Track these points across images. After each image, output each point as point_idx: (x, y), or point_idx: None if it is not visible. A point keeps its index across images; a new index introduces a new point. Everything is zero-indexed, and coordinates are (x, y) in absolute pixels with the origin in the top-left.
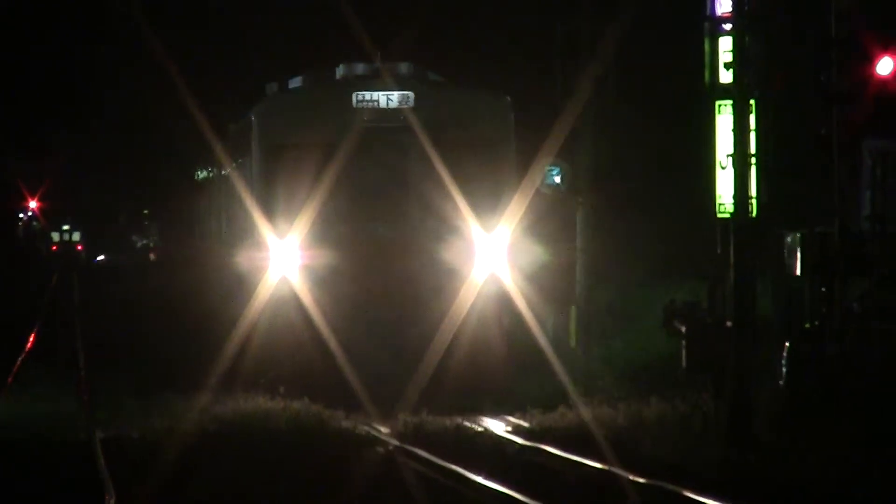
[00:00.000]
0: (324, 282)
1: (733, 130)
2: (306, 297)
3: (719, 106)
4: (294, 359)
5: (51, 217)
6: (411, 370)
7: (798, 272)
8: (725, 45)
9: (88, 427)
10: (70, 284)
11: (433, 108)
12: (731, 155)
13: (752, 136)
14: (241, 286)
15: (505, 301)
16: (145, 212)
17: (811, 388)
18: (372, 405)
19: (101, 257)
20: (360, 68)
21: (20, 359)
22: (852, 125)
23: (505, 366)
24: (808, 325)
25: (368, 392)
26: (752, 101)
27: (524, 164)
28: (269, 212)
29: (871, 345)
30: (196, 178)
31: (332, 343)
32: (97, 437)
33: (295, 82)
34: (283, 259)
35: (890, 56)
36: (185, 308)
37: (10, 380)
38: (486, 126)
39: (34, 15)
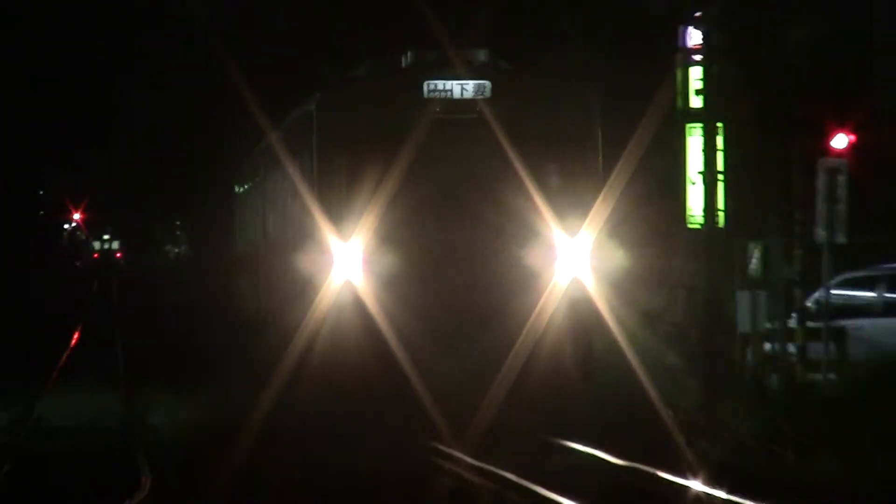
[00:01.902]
0: (390, 287)
1: (703, 150)
2: (371, 303)
3: (690, 129)
4: (358, 367)
5: (92, 228)
6: (484, 384)
7: (760, 277)
8: (696, 74)
9: (126, 416)
10: (110, 289)
11: (512, 98)
12: (700, 172)
13: (720, 155)
14: (298, 291)
15: (588, 310)
16: (177, 223)
17: (773, 382)
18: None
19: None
20: (431, 55)
21: (65, 354)
22: (810, 147)
23: (586, 382)
24: (769, 325)
25: (439, 407)
26: (719, 125)
27: (610, 160)
28: (331, 211)
29: (824, 342)
30: (235, 185)
31: (399, 352)
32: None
33: (359, 71)
34: (346, 262)
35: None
36: (228, 312)
37: (55, 374)
38: (570, 119)
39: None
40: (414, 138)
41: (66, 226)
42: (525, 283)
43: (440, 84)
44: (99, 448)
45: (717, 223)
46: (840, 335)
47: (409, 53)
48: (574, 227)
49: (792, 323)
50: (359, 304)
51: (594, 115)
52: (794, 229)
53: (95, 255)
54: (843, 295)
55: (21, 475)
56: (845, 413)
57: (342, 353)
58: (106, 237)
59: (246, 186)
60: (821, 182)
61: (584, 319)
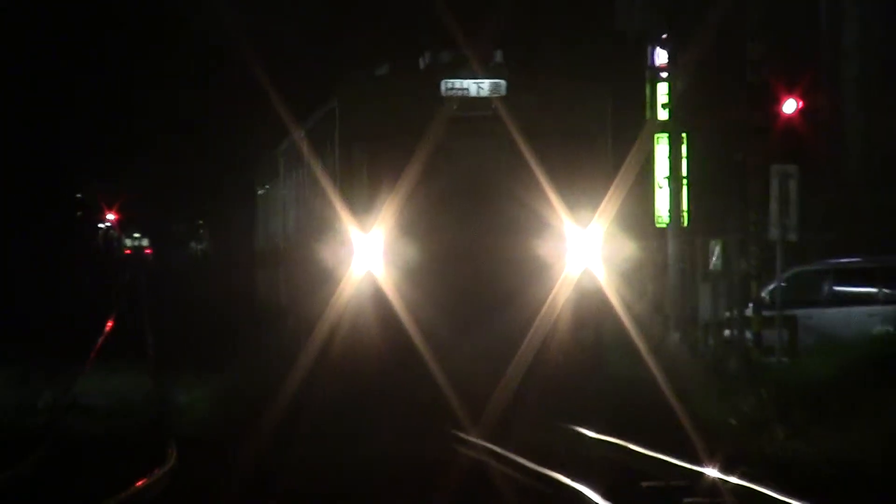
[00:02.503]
0: (409, 277)
1: (668, 158)
2: (391, 292)
3: (657, 138)
4: (377, 353)
5: (124, 227)
6: (499, 371)
7: (720, 271)
8: (662, 89)
9: (153, 394)
10: (140, 281)
11: (527, 97)
12: (667, 177)
13: (684, 162)
14: (320, 281)
15: (598, 299)
16: (200, 222)
17: (732, 364)
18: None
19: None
20: (448, 55)
21: (101, 339)
22: (764, 152)
23: (599, 369)
24: (728, 314)
25: (456, 393)
26: (683, 135)
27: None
28: (353, 204)
29: (777, 328)
30: (256, 185)
31: (417, 340)
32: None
33: (379, 70)
34: (367, 253)
35: (794, 98)
36: (248, 302)
37: (93, 355)
38: (583, 117)
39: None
40: (432, 134)
41: (100, 225)
42: (538, 274)
43: (458, 83)
44: (129, 424)
45: (682, 223)
46: (791, 323)
47: (427, 54)
48: (585, 220)
49: (748, 312)
50: (378, 294)
51: (605, 114)
52: (749, 228)
53: (127, 252)
54: (795, 287)
55: (60, 447)
56: (796, 392)
57: (362, 340)
58: (136, 235)
59: (267, 185)
60: (773, 186)
61: (594, 308)
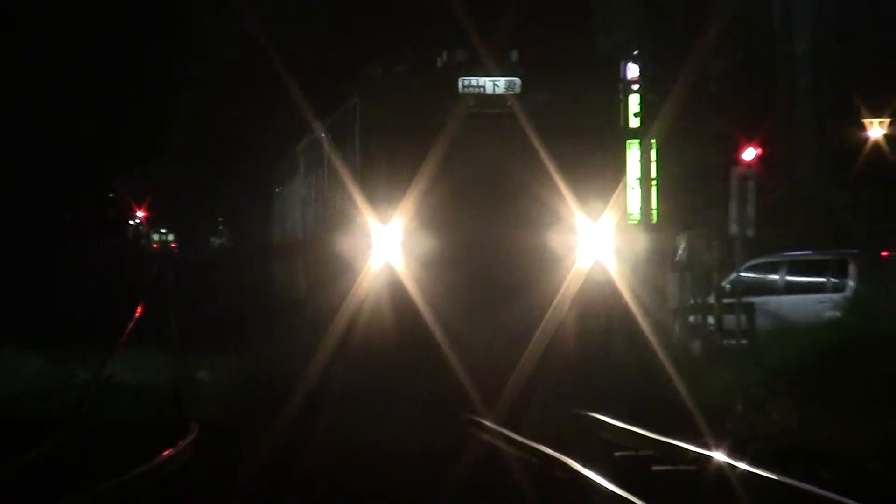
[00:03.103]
0: (426, 267)
1: (640, 161)
2: (408, 283)
3: (630, 144)
4: (395, 341)
5: (152, 224)
6: (513, 359)
7: (686, 262)
8: (634, 100)
9: (178, 373)
10: (166, 272)
11: (540, 94)
12: (638, 178)
13: (653, 165)
14: (340, 271)
15: (610, 290)
16: (219, 219)
17: (696, 347)
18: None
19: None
20: (465, 54)
21: (131, 324)
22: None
23: (605, 359)
24: (692, 301)
25: (471, 379)
26: (653, 141)
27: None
28: (372, 197)
29: (737, 315)
30: (274, 182)
31: (434, 328)
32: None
33: (399, 68)
34: (386, 245)
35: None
36: (267, 292)
37: (123, 339)
38: (593, 113)
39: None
40: (449, 130)
41: (130, 222)
42: (551, 265)
43: (474, 80)
44: (157, 398)
45: (652, 220)
46: (749, 309)
47: (444, 53)
48: (596, 213)
49: (711, 299)
50: (396, 284)
51: (615, 111)
52: (712, 224)
53: (155, 246)
54: (752, 277)
55: (94, 419)
56: (754, 371)
57: (380, 329)
58: (163, 231)
59: (285, 183)
60: (733, 186)
61: (602, 299)
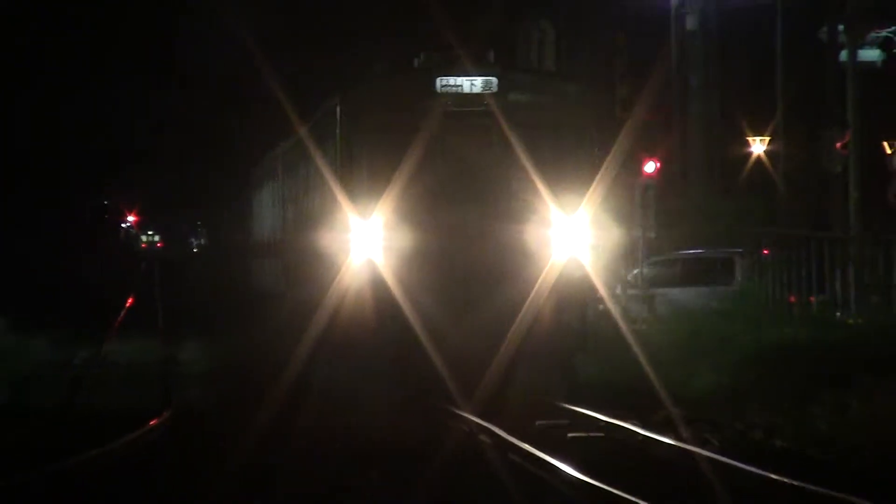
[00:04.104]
0: (406, 262)
1: None
2: (388, 277)
3: None
4: (376, 335)
5: (141, 226)
6: (491, 352)
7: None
8: None
9: (163, 354)
10: (153, 269)
11: (515, 93)
12: None
13: None
14: (322, 266)
15: (586, 284)
16: (198, 222)
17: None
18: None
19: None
20: (443, 55)
21: (122, 313)
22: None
23: (584, 351)
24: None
25: (450, 372)
26: None
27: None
28: (353, 194)
29: (640, 303)
30: (253, 186)
31: (414, 320)
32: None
33: (378, 69)
34: (367, 241)
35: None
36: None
37: (116, 325)
38: (568, 111)
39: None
40: (428, 128)
41: (122, 225)
42: (527, 259)
43: (452, 80)
44: (144, 376)
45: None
46: (651, 299)
47: (421, 55)
48: (571, 208)
49: (619, 291)
50: (377, 278)
51: (589, 109)
52: (621, 226)
53: (143, 246)
54: (654, 272)
55: (90, 392)
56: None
57: (361, 321)
58: (150, 233)
59: (264, 184)
60: (637, 195)
61: (578, 292)
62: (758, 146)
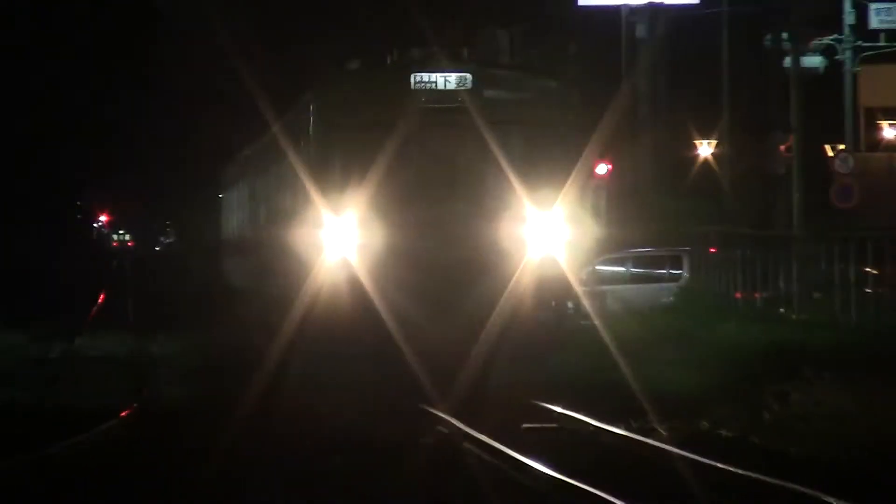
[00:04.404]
0: (380, 258)
1: None
2: (362, 273)
3: None
4: (351, 332)
5: (113, 226)
6: (468, 349)
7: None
8: None
9: (136, 346)
10: (124, 266)
11: (491, 89)
12: None
13: None
14: (293, 263)
15: (560, 281)
16: (167, 222)
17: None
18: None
19: (157, 248)
20: (418, 52)
21: (94, 308)
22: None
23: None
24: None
25: (426, 371)
26: None
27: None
28: (326, 190)
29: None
30: (222, 187)
31: (389, 319)
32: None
33: (352, 66)
34: (340, 238)
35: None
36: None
37: (89, 318)
38: (546, 108)
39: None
40: (403, 124)
41: (95, 224)
42: (503, 255)
43: (426, 76)
44: (117, 367)
45: None
46: (602, 296)
47: (395, 51)
48: (547, 204)
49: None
50: (351, 274)
51: (568, 104)
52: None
53: (115, 244)
54: (605, 269)
55: (64, 385)
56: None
57: (336, 318)
58: (121, 232)
59: (236, 183)
60: (590, 196)
61: (554, 288)
62: (705, 149)
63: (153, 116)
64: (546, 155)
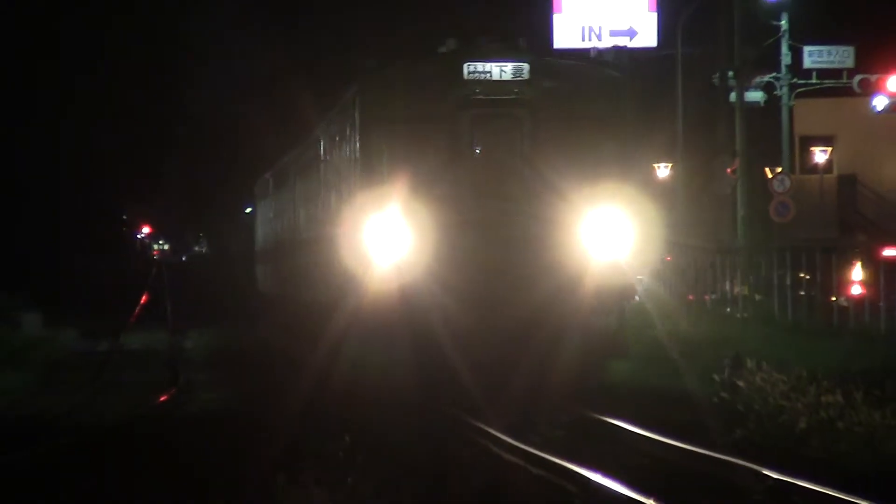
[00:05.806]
0: (431, 263)
1: None
2: (413, 279)
3: None
4: (400, 339)
5: (154, 236)
6: (520, 358)
7: None
8: None
9: (171, 342)
10: (163, 272)
11: (550, 80)
12: None
13: None
14: (338, 268)
15: (626, 287)
16: (200, 234)
17: None
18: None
19: (184, 258)
20: (471, 41)
21: (138, 309)
22: None
23: (623, 357)
24: None
25: (476, 380)
26: None
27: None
28: (373, 189)
29: None
30: (256, 199)
31: (440, 326)
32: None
33: (401, 57)
34: (388, 238)
35: None
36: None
37: (132, 320)
38: (607, 101)
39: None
40: (455, 118)
41: (138, 235)
42: (559, 258)
43: (480, 66)
44: (156, 360)
45: None
46: None
47: (448, 41)
48: (606, 204)
49: None
50: (400, 278)
51: (624, 99)
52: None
53: (155, 253)
54: None
55: (112, 373)
56: None
57: (381, 321)
58: (161, 242)
59: (273, 192)
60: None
61: (615, 293)
62: (662, 171)
63: (191, 131)
64: (610, 151)
